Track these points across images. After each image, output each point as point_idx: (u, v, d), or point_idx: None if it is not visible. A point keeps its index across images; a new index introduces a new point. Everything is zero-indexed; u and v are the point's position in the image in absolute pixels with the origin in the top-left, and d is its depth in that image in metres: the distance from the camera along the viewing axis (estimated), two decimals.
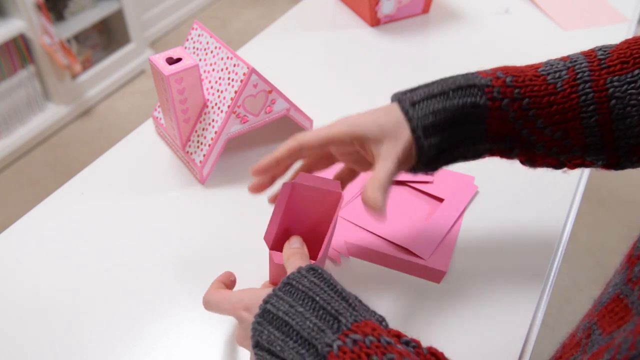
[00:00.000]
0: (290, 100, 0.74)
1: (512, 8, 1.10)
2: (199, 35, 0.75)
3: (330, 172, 0.58)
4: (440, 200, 0.69)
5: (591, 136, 0.51)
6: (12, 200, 1.85)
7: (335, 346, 0.36)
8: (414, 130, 0.49)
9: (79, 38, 2.14)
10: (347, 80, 0.93)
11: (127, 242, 0.67)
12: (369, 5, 1.02)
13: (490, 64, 0.94)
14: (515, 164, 0.75)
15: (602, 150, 0.51)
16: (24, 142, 1.98)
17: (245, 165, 0.76)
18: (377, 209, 0.47)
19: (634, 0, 1.12)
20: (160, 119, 0.78)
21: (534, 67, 0.52)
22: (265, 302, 0.41)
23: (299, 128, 0.81)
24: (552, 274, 0.63)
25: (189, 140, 0.73)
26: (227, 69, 0.70)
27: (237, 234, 0.67)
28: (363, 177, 0.72)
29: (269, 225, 0.52)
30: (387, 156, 0.49)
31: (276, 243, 0.53)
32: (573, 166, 0.53)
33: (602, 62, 0.49)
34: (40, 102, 2.03)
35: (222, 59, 0.71)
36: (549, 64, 0.52)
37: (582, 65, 0.50)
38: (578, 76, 0.50)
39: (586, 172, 0.75)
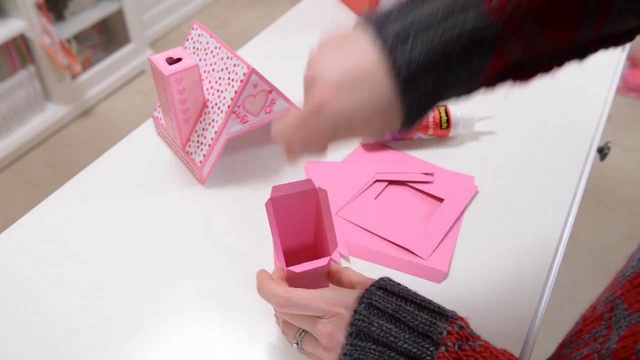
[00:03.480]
0: (290, 100, 0.74)
1: None
2: (199, 35, 0.75)
3: None
4: (440, 200, 0.69)
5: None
6: (12, 200, 1.85)
7: (445, 333, 0.43)
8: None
9: (79, 38, 2.14)
10: None
11: (127, 242, 0.67)
12: (369, 6, 1.02)
13: None
14: (514, 165, 0.75)
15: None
16: (24, 142, 1.98)
17: (245, 165, 0.76)
18: None
19: None
20: (160, 119, 0.78)
21: None
22: (369, 299, 0.46)
23: None
24: (552, 274, 0.63)
25: (189, 140, 0.73)
26: (227, 69, 0.70)
27: (237, 234, 0.67)
28: (360, 179, 0.72)
29: (275, 249, 0.52)
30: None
31: (287, 258, 0.53)
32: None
33: None
34: (40, 102, 2.03)
35: (222, 59, 0.71)
36: None
37: None
38: None
39: (586, 172, 0.75)
